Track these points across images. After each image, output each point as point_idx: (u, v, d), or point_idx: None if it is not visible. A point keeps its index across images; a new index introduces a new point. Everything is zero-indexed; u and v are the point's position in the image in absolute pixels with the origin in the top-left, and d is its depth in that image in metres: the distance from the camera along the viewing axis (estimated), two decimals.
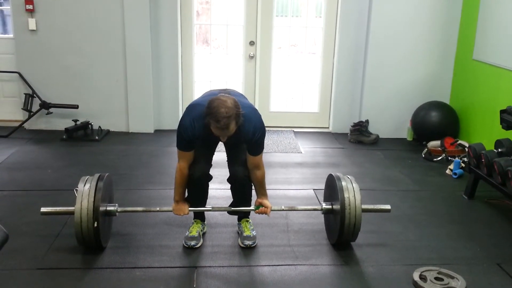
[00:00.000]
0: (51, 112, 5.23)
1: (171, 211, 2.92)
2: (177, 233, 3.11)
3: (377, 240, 3.13)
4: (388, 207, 3.03)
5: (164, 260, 2.82)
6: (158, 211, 3.06)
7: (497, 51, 4.45)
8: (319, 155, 4.84)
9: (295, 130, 5.68)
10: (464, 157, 4.49)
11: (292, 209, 3.14)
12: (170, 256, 2.87)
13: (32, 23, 5.09)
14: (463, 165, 4.33)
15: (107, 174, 2.92)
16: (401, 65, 5.32)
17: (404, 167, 4.54)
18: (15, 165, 4.31)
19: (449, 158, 4.63)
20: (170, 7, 5.21)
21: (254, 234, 3.04)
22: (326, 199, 3.13)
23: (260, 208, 2.91)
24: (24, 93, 5.21)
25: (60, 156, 4.64)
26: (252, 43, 5.48)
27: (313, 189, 3.92)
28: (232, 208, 3.04)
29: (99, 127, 5.26)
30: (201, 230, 3.07)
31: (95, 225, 2.68)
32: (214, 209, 3.06)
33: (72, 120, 5.16)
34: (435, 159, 4.69)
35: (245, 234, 3.01)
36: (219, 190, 3.68)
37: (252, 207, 2.97)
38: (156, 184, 3.95)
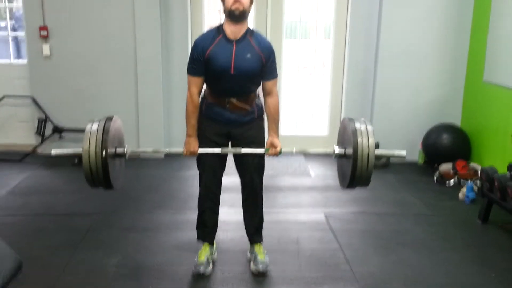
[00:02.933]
0: (64, 137, 5.29)
1: (181, 152, 2.86)
2: (186, 258, 3.08)
3: (390, 265, 3.08)
4: (403, 153, 2.83)
5: (174, 287, 2.80)
6: (168, 152, 2.97)
7: (508, 73, 4.43)
8: (329, 179, 4.82)
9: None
10: (476, 180, 4.44)
11: (303, 152, 3.05)
12: (180, 282, 2.84)
13: (46, 49, 5.19)
14: (475, 188, 4.28)
15: (114, 116, 2.83)
16: (411, 87, 5.32)
17: (416, 190, 4.50)
18: (27, 190, 4.35)
19: (462, 181, 4.58)
20: (181, 29, 5.29)
21: (268, 259, 3.01)
22: (339, 144, 2.93)
23: (270, 150, 2.84)
24: (37, 118, 5.28)
25: (72, 180, 4.67)
26: None
27: (324, 213, 3.89)
28: (243, 150, 2.83)
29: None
30: (210, 255, 3.03)
31: (103, 154, 2.57)
32: (222, 152, 2.86)
33: None
34: (447, 183, 4.65)
35: (259, 258, 2.97)
36: (229, 214, 3.66)
37: (262, 150, 2.86)
38: (166, 209, 3.95)
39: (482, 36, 4.92)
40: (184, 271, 2.96)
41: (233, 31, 2.71)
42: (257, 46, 2.75)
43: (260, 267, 2.93)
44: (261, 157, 2.94)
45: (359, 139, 2.62)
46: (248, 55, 2.73)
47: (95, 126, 2.65)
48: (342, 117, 5.59)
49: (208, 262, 2.97)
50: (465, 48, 5.23)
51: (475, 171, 4.62)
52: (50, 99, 5.33)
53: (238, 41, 2.72)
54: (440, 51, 5.25)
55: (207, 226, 3.04)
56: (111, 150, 2.66)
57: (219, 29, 2.75)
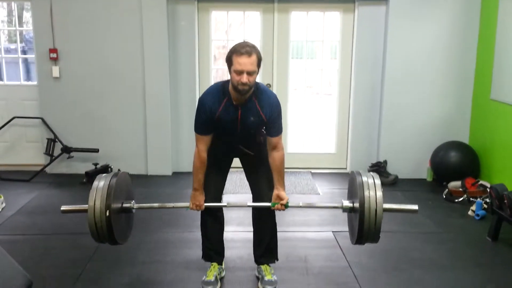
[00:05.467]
0: (72, 156, 5.33)
1: (187, 207, 2.88)
2: (195, 277, 3.07)
3: (400, 285, 3.05)
4: (415, 207, 2.76)
5: None
6: (173, 207, 2.99)
7: None
8: (337, 196, 4.80)
9: (313, 171, 5.67)
10: (486, 198, 4.41)
11: (310, 206, 3.02)
12: None
13: (55, 71, 5.27)
14: (485, 206, 4.25)
15: (122, 171, 2.84)
16: (418, 105, 5.33)
17: (425, 208, 4.46)
18: (36, 209, 4.37)
19: (471, 199, 4.55)
20: (189, 52, 5.36)
21: (275, 278, 2.99)
22: (349, 197, 2.92)
23: (276, 205, 2.84)
24: (47, 138, 5.33)
25: (80, 199, 4.63)
26: (268, 85, 5.56)
27: (332, 231, 3.86)
28: (249, 204, 2.92)
29: (118, 170, 5.32)
30: (218, 274, 3.02)
31: (107, 214, 2.58)
32: (229, 205, 2.96)
33: (92, 164, 5.24)
34: (456, 200, 4.62)
35: (266, 278, 2.96)
36: (238, 232, 3.65)
37: (268, 204, 2.88)
38: (173, 227, 3.95)
39: (488, 54, 4.93)
40: None
41: (238, 98, 2.73)
42: (261, 109, 2.77)
43: (267, 287, 2.91)
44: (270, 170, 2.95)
45: (365, 192, 2.60)
46: (252, 118, 2.78)
47: (101, 183, 2.66)
48: (350, 134, 5.60)
49: (216, 281, 2.96)
50: (472, 66, 5.24)
51: (485, 189, 4.59)
52: (59, 120, 5.39)
53: (242, 105, 2.75)
54: (447, 69, 5.27)
55: (212, 250, 3.06)
56: (117, 205, 2.69)
57: (225, 92, 2.74)
